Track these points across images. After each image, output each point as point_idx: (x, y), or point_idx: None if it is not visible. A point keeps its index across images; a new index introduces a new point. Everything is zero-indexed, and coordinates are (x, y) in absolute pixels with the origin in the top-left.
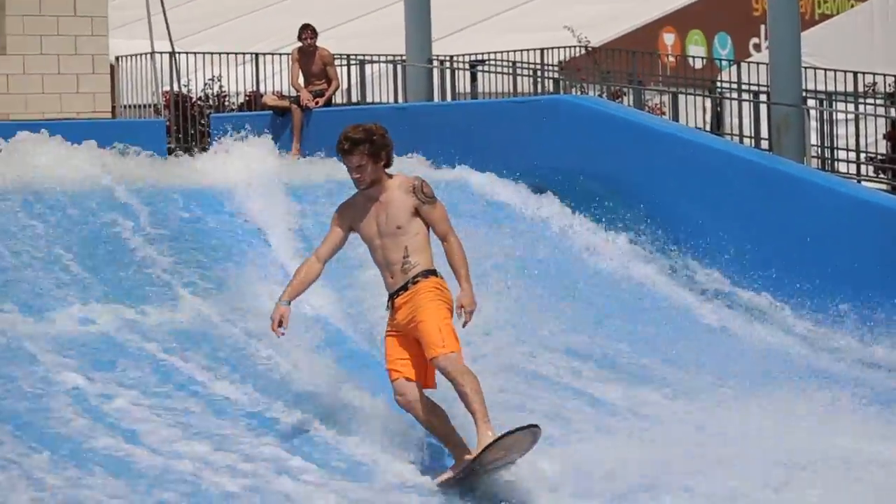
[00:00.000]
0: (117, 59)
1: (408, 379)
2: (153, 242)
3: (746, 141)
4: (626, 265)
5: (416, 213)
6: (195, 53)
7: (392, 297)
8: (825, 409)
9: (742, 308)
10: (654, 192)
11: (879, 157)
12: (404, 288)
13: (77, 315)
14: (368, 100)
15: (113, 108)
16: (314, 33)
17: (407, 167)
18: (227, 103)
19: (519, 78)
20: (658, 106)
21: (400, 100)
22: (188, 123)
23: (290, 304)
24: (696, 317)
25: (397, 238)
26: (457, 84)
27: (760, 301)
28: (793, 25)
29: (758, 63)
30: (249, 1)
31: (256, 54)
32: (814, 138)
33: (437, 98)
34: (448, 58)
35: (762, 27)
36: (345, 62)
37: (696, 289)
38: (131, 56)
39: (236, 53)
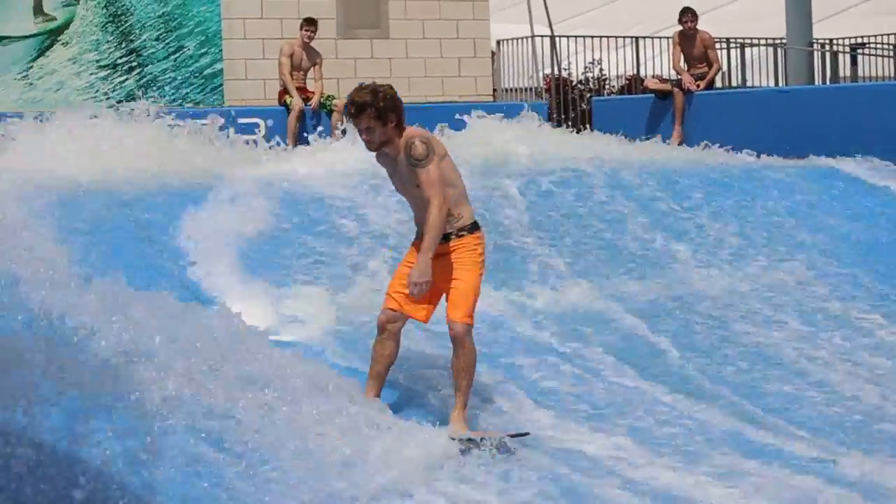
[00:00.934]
0: (498, 42)
1: (400, 313)
2: None
3: None
4: None
5: None
6: (575, 37)
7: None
8: None
9: None
10: None
11: None
12: (446, 238)
13: None
14: (748, 83)
15: (494, 91)
16: (695, 16)
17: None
18: (607, 87)
19: None
20: None
21: (780, 83)
22: (569, 107)
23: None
24: None
25: (423, 194)
26: (838, 68)
27: None
28: None
29: None
30: None
31: (636, 38)
32: None
33: (817, 81)
34: (828, 41)
35: None
36: (724, 46)
37: None
38: (512, 40)
39: (616, 37)
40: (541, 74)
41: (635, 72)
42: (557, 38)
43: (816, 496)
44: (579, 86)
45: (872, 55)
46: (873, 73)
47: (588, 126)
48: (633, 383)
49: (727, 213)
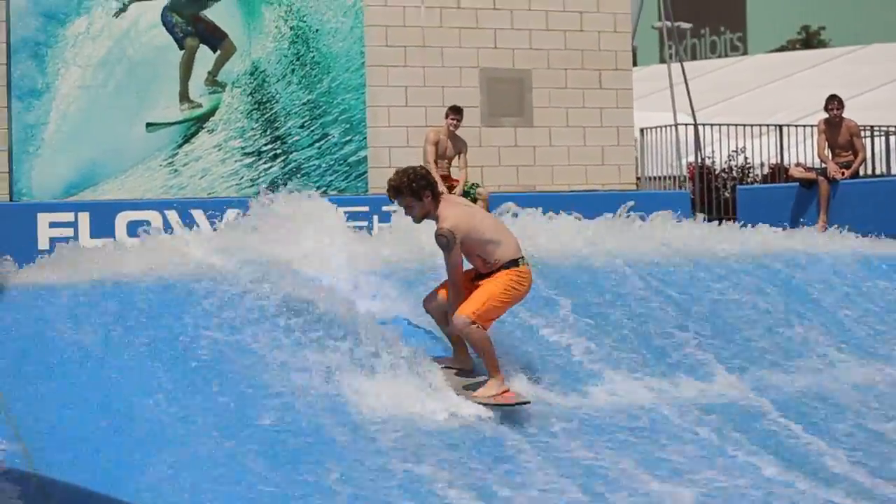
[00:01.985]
0: (641, 131)
1: (436, 294)
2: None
3: None
4: None
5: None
6: (718, 125)
7: (478, 276)
8: None
9: None
10: None
11: None
12: (489, 274)
13: None
14: (894, 171)
15: (637, 179)
16: (841, 104)
17: None
18: (750, 174)
19: None
20: None
21: None
22: (712, 195)
23: None
24: None
25: (465, 252)
26: None
27: None
28: None
29: None
30: (769, 73)
31: (780, 126)
32: None
33: None
34: None
35: None
36: (869, 133)
37: None
38: (655, 128)
39: (759, 125)
40: (684, 162)
41: (779, 160)
42: (700, 126)
43: None
44: (722, 174)
45: None
46: None
47: (731, 215)
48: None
49: None
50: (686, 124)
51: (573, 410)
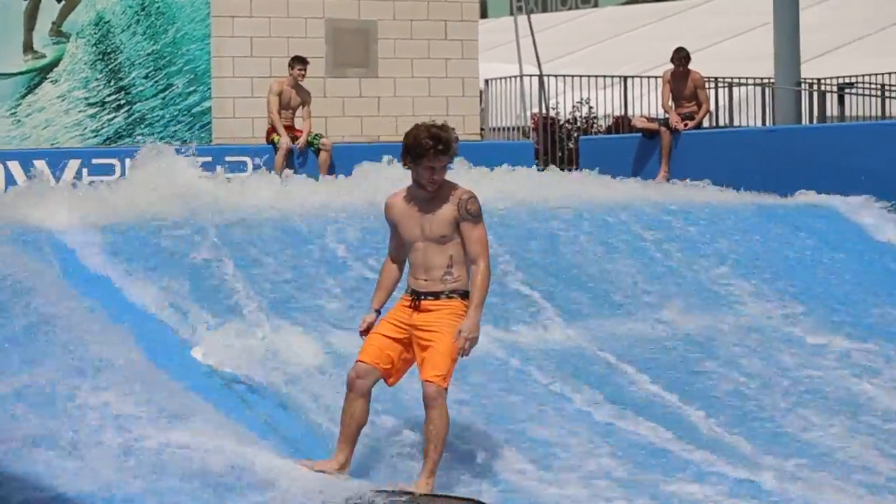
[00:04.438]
0: (486, 82)
1: (374, 367)
2: None
3: None
4: None
5: (457, 225)
6: (563, 76)
7: (419, 296)
8: None
9: None
10: None
11: None
12: (436, 296)
13: None
14: (735, 123)
15: (481, 130)
16: (687, 56)
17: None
18: (594, 126)
19: (888, 101)
20: None
21: (768, 123)
22: (555, 146)
23: (378, 311)
24: None
25: (442, 245)
26: (825, 108)
27: None
28: None
29: None
30: (618, 25)
31: (625, 77)
32: None
33: (804, 121)
34: (816, 81)
35: None
36: (713, 85)
37: None
38: (500, 79)
39: (604, 76)
40: (528, 114)
41: (623, 111)
42: (546, 78)
43: None
44: (567, 125)
45: (860, 95)
46: (860, 113)
47: (575, 165)
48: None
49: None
50: (531, 75)
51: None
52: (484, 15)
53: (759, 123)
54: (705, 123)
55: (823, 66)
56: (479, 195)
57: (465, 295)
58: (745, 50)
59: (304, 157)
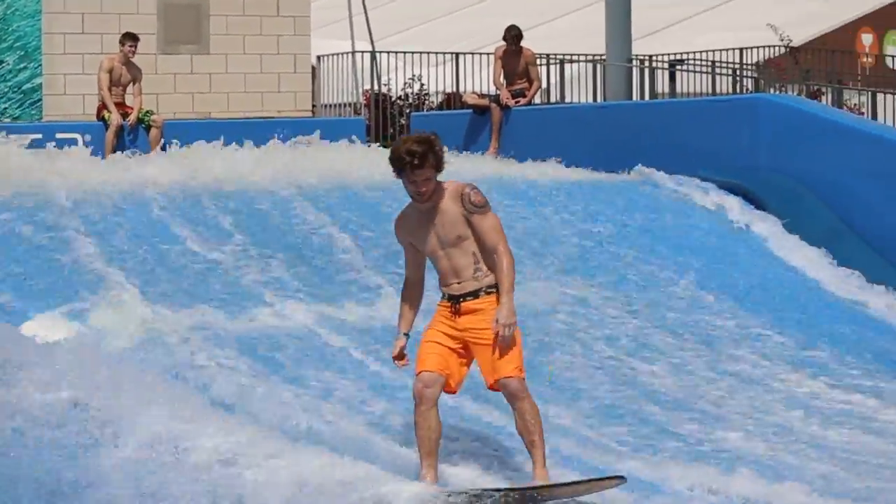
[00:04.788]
0: (318, 58)
1: (439, 374)
2: None
3: None
4: (816, 270)
5: (469, 221)
6: (395, 53)
7: (458, 300)
8: None
9: None
10: (852, 192)
11: None
12: (475, 295)
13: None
14: (568, 100)
15: (313, 106)
16: (519, 33)
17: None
18: (427, 103)
19: (718, 78)
20: (857, 106)
21: (599, 100)
22: (388, 122)
23: (407, 335)
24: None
25: (462, 245)
26: (656, 84)
27: None
28: None
29: None
30: (450, 2)
31: (456, 54)
32: None
33: (636, 98)
34: (647, 57)
35: None
36: (545, 62)
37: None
38: (332, 55)
39: (436, 53)
40: (360, 90)
41: (455, 88)
42: (378, 54)
43: None
44: (399, 101)
45: (690, 71)
46: (691, 90)
47: None
48: None
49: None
50: (363, 52)
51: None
52: None
53: (590, 100)
54: (537, 100)
55: (655, 44)
56: (313, 171)
57: (495, 286)
58: (577, 27)
59: (134, 133)
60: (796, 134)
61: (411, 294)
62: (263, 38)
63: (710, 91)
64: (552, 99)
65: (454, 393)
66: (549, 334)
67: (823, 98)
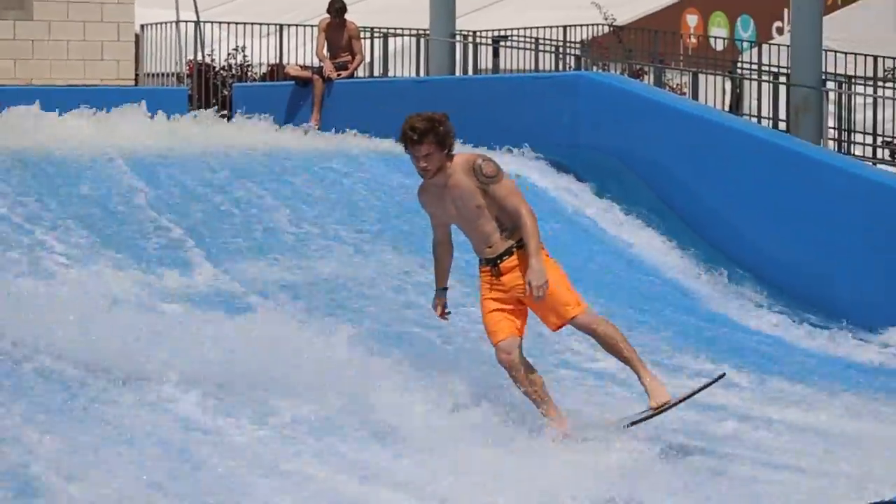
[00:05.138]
0: (142, 27)
1: (513, 337)
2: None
3: (765, 123)
4: (636, 243)
5: (484, 190)
6: (220, 23)
7: (495, 261)
8: None
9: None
10: (671, 171)
11: None
12: (509, 252)
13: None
14: (391, 74)
15: (136, 76)
16: (344, 7)
17: None
18: (250, 73)
19: (541, 55)
20: (679, 86)
21: (422, 74)
22: (210, 92)
23: (445, 290)
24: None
25: (483, 213)
26: (479, 60)
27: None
28: (816, 7)
29: (779, 45)
30: None
31: (281, 25)
32: (831, 122)
33: (459, 73)
34: (471, 33)
35: (785, 11)
36: (369, 35)
37: (700, 267)
38: (156, 24)
39: (261, 24)
40: (184, 60)
41: (279, 60)
42: (202, 24)
43: None
44: (222, 72)
45: (513, 48)
46: (514, 66)
47: (228, 111)
48: None
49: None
50: (187, 21)
51: None
52: None
53: (414, 74)
54: (361, 74)
55: (479, 20)
56: (138, 140)
57: (521, 242)
58: (402, 2)
59: None
60: (617, 112)
61: (441, 252)
62: (87, 5)
63: (533, 68)
64: (376, 73)
65: (522, 335)
66: None
67: (646, 77)
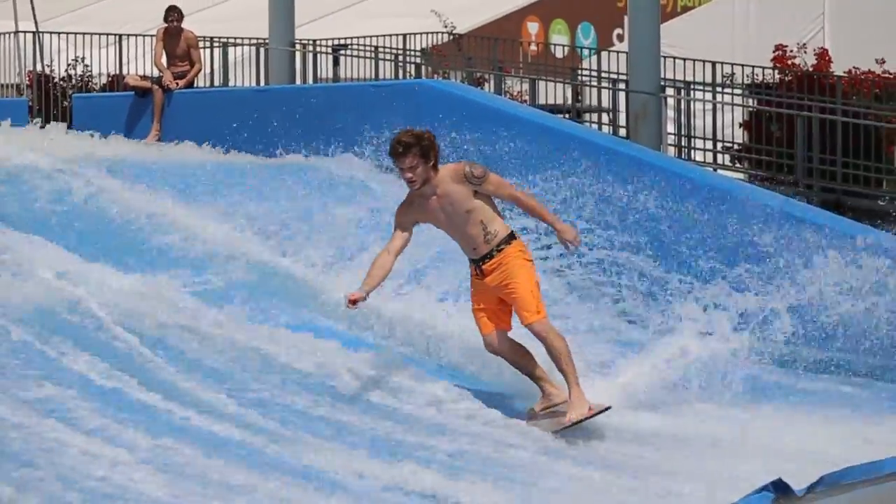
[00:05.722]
0: None
1: (496, 329)
2: None
3: (606, 129)
4: None
5: (476, 192)
6: (59, 34)
7: (479, 263)
8: None
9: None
10: (508, 176)
11: (736, 145)
12: (490, 256)
13: None
14: (231, 83)
15: None
16: (181, 15)
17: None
18: (90, 84)
19: (381, 63)
20: (519, 93)
21: (262, 84)
22: (51, 103)
23: (367, 294)
24: None
25: (470, 218)
26: (319, 69)
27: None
28: (653, 14)
29: (619, 52)
30: None
31: (120, 35)
32: (671, 127)
33: (299, 82)
34: (311, 42)
35: (626, 18)
36: (208, 45)
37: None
38: None
39: (100, 34)
40: (24, 71)
41: (119, 70)
42: (42, 35)
43: None
44: (62, 83)
45: (353, 56)
46: (355, 75)
47: (69, 122)
48: None
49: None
50: (26, 32)
51: None
52: None
53: (254, 84)
54: (201, 84)
55: (319, 29)
56: None
57: (507, 239)
58: (242, 10)
59: None
60: (456, 119)
61: (385, 260)
62: None
63: (373, 76)
64: (216, 82)
65: (510, 329)
66: None
67: (486, 85)
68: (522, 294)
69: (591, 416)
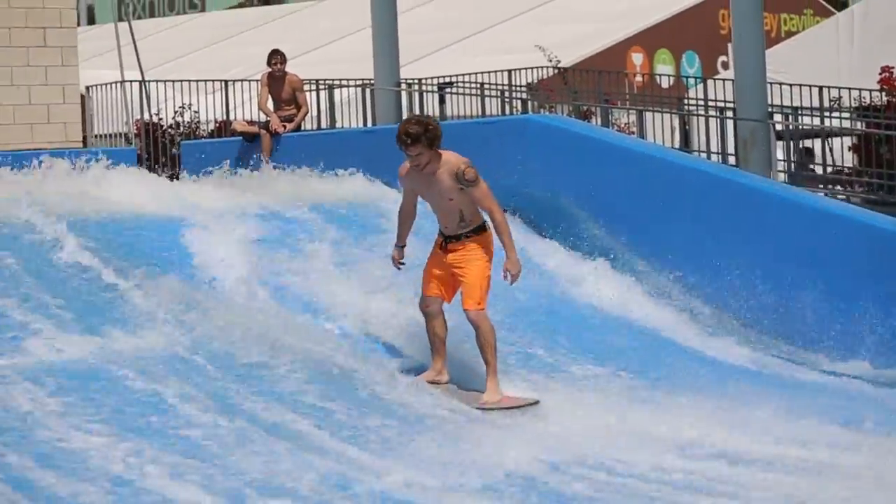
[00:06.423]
0: (88, 88)
1: (436, 295)
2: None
3: (714, 157)
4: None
5: (461, 189)
6: (165, 81)
7: (447, 239)
8: None
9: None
10: (622, 210)
11: (846, 169)
12: (458, 238)
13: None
14: (338, 125)
15: (84, 137)
16: (283, 59)
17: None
18: (197, 131)
19: (487, 99)
20: (626, 125)
21: (369, 124)
22: (159, 151)
23: (403, 246)
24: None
25: (452, 206)
26: (425, 107)
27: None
28: (757, 41)
29: (724, 80)
30: (220, 31)
31: (226, 81)
32: (780, 153)
33: None
34: (416, 81)
35: (730, 45)
36: (314, 87)
37: (664, 303)
38: (102, 85)
39: (206, 80)
40: (132, 120)
41: (225, 115)
42: (147, 83)
43: None
44: (170, 130)
45: (458, 94)
46: (461, 112)
47: (178, 169)
48: None
49: None
50: (132, 81)
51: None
52: (92, 21)
53: (360, 124)
54: (308, 126)
55: (425, 68)
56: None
57: (477, 230)
58: (347, 52)
59: None
60: (565, 153)
61: (404, 217)
62: (31, 69)
63: (479, 113)
64: (323, 125)
65: (449, 302)
66: None
67: (594, 118)
68: (472, 281)
69: (518, 407)
